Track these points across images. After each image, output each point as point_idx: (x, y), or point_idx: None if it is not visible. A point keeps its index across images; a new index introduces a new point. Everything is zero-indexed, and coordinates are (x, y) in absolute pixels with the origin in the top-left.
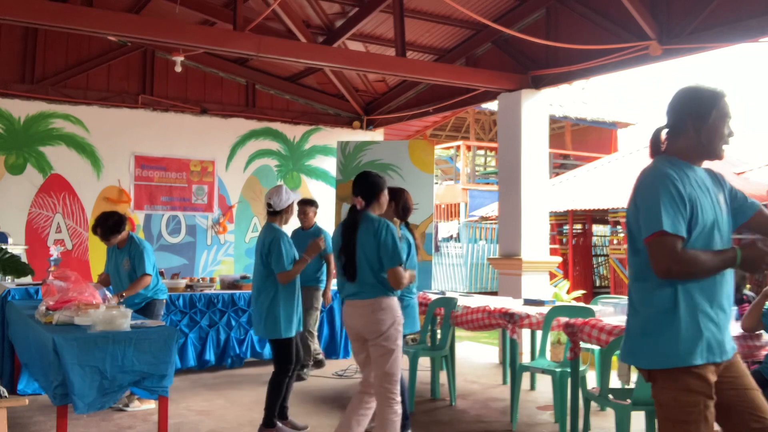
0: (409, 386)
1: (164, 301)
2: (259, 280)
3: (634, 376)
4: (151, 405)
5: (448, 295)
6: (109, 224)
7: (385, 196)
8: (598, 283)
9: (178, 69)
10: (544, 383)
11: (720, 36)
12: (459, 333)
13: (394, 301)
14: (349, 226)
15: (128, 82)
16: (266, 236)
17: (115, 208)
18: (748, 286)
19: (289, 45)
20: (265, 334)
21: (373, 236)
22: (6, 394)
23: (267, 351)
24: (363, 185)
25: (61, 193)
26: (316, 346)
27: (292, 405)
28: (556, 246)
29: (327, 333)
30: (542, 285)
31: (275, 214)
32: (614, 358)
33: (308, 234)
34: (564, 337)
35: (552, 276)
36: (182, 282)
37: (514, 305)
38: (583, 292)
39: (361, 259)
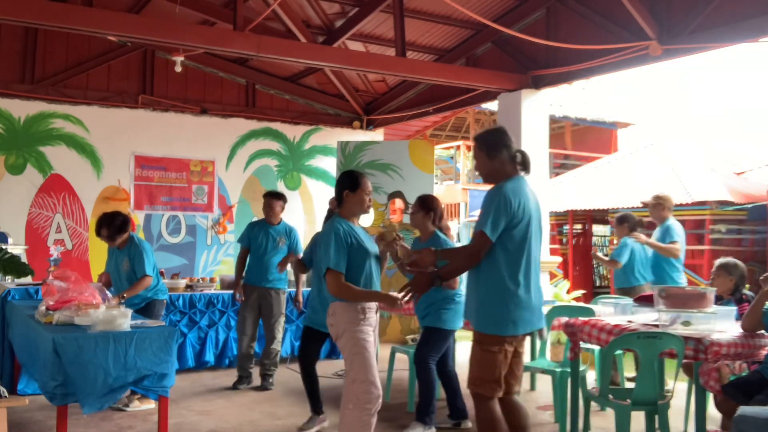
0: (409, 386)
1: (164, 301)
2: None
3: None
4: (151, 405)
5: None
6: (117, 224)
7: (355, 195)
8: (598, 283)
9: (178, 69)
10: (544, 383)
11: (720, 36)
12: (459, 333)
13: (344, 306)
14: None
15: (128, 82)
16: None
17: (116, 207)
18: (747, 285)
19: (289, 45)
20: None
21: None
22: (6, 394)
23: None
24: (335, 186)
25: (61, 193)
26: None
27: (293, 405)
28: (556, 246)
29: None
30: (542, 285)
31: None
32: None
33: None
34: (564, 337)
35: (552, 276)
36: (182, 282)
37: None
38: (583, 292)
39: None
